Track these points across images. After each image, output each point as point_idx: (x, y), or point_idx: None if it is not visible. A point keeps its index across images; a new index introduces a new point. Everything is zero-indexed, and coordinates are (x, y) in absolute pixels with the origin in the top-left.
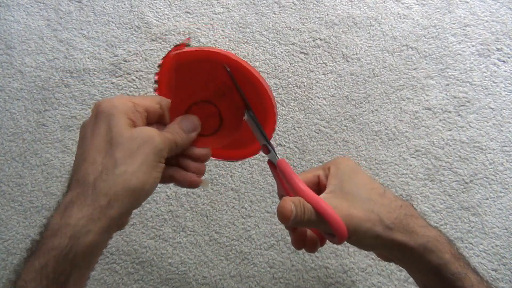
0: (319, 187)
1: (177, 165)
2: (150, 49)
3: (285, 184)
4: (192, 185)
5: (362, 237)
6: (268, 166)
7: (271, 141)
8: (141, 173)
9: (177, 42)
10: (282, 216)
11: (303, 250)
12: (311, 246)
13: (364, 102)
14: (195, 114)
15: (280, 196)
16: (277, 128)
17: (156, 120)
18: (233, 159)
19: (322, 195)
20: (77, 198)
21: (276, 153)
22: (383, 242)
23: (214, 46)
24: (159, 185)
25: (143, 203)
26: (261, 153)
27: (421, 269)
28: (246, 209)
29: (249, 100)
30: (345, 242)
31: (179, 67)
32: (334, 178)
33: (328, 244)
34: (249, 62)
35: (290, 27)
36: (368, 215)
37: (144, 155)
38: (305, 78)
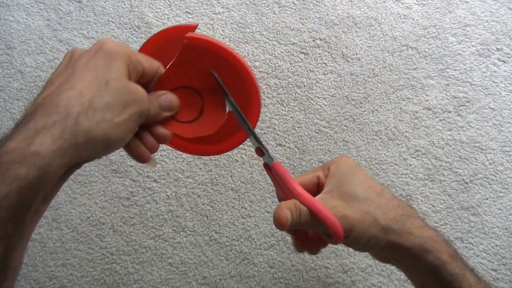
0: (319, 187)
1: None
2: None
3: (282, 186)
4: (141, 159)
5: (358, 238)
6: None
7: (266, 146)
8: (122, 128)
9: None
10: (278, 224)
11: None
12: (313, 248)
13: (364, 102)
14: (178, 96)
15: (280, 199)
16: (277, 128)
17: (143, 83)
18: (202, 154)
19: (319, 196)
20: (52, 126)
21: (270, 156)
22: (379, 243)
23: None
24: (159, 185)
25: (142, 201)
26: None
27: (418, 269)
28: (246, 209)
29: (230, 83)
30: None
31: (184, 48)
32: (332, 177)
33: (328, 244)
34: (249, 62)
35: (290, 27)
36: (363, 216)
37: (132, 112)
38: (305, 78)
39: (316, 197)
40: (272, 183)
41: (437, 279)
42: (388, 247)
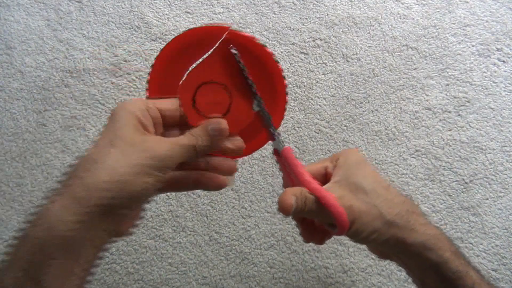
0: (326, 178)
1: (205, 168)
2: (150, 49)
3: (290, 174)
4: (218, 184)
5: (361, 230)
6: (270, 162)
7: (279, 130)
8: (130, 172)
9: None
10: (282, 208)
11: (303, 250)
12: (319, 238)
13: (364, 102)
14: (207, 91)
15: (286, 187)
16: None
17: (178, 122)
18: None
19: (327, 185)
20: (60, 189)
21: (281, 141)
22: (381, 237)
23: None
24: None
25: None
26: (260, 152)
27: (420, 266)
28: (246, 209)
29: (259, 81)
30: (344, 237)
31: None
32: (340, 168)
33: (328, 244)
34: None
35: (290, 27)
36: (369, 208)
37: (140, 160)
38: (305, 78)
39: (324, 186)
40: (279, 170)
41: (439, 277)
42: (391, 242)
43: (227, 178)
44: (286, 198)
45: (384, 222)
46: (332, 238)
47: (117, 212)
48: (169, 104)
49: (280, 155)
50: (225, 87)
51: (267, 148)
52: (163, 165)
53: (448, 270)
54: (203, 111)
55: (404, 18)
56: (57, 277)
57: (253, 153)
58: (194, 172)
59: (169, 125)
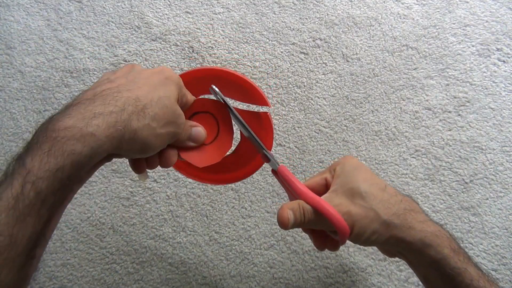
0: (327, 188)
1: None
2: (150, 49)
3: (289, 189)
4: (136, 170)
5: (361, 233)
6: (271, 172)
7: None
8: (159, 139)
9: (177, 43)
10: (281, 223)
11: (303, 250)
12: (333, 245)
13: (364, 102)
14: (199, 119)
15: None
16: (277, 128)
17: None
18: (223, 182)
19: (324, 195)
20: (109, 115)
21: (276, 161)
22: (381, 237)
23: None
24: (159, 185)
25: (142, 201)
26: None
27: (421, 263)
28: (246, 209)
29: (246, 112)
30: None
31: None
32: (338, 177)
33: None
34: (249, 62)
35: (290, 27)
36: (366, 211)
37: (170, 130)
38: (305, 78)
39: (322, 196)
40: (282, 188)
41: (439, 273)
42: (391, 242)
43: (145, 168)
44: (283, 213)
45: (382, 222)
46: None
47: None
48: (191, 98)
49: (277, 173)
50: (215, 118)
51: None
52: (173, 140)
53: (447, 266)
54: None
55: (404, 18)
56: (70, 196)
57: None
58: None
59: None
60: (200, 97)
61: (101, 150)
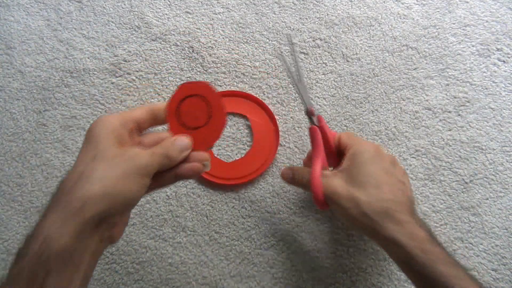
0: (339, 145)
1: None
2: (150, 49)
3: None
4: (197, 172)
5: (339, 213)
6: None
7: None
8: (121, 180)
9: (177, 43)
10: (282, 177)
11: (303, 250)
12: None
13: (364, 102)
14: (186, 106)
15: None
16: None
17: (151, 125)
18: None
19: (331, 171)
20: (52, 204)
21: (313, 121)
22: (358, 223)
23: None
24: None
25: (142, 201)
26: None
27: (392, 257)
28: (246, 209)
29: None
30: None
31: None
32: (348, 160)
33: (328, 244)
34: (249, 62)
35: (290, 27)
36: (350, 198)
37: (126, 168)
38: (305, 78)
39: (326, 172)
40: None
41: (407, 270)
42: (368, 230)
43: (203, 163)
44: (285, 171)
45: (360, 213)
46: (333, 238)
47: (111, 219)
48: (142, 113)
49: (310, 130)
50: (207, 102)
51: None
52: (146, 172)
53: (415, 265)
54: (184, 120)
55: (404, 18)
56: (57, 286)
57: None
58: (171, 170)
59: (145, 128)
60: (183, 83)
61: (58, 239)
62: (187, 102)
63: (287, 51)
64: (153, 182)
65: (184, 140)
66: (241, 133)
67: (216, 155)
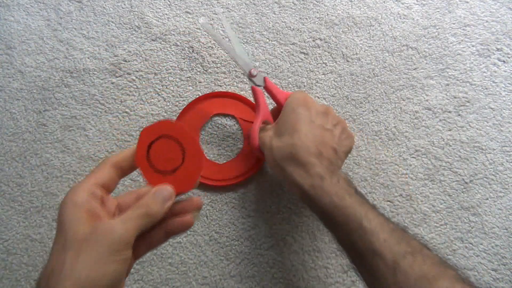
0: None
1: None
2: (150, 49)
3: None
4: (188, 226)
5: (266, 159)
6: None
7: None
8: (94, 267)
9: (177, 43)
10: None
11: (303, 250)
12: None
13: (364, 102)
14: (155, 151)
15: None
16: None
17: (122, 178)
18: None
19: (268, 126)
20: None
21: (253, 81)
22: (274, 171)
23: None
24: None
25: None
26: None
27: (300, 197)
28: (246, 209)
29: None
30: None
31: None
32: (282, 112)
33: (328, 244)
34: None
35: (290, 27)
36: (273, 149)
37: (98, 250)
38: (305, 78)
39: (268, 126)
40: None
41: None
42: (288, 180)
43: (193, 214)
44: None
45: (272, 159)
46: (333, 238)
47: None
48: (107, 173)
49: (252, 90)
50: (179, 143)
51: None
52: (122, 246)
53: (307, 199)
54: (158, 166)
55: (404, 18)
56: None
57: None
58: (159, 228)
59: (116, 184)
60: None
61: None
62: (155, 147)
63: (287, 51)
64: (141, 245)
65: (164, 190)
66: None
67: (208, 158)
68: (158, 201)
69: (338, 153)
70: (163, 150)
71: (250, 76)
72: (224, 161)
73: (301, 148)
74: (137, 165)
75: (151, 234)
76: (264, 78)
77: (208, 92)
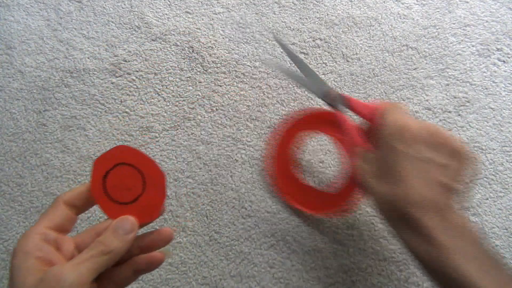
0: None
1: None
2: (150, 49)
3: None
4: (157, 264)
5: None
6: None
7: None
8: None
9: (177, 43)
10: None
11: (303, 250)
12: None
13: None
14: (112, 181)
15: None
16: (277, 128)
17: (79, 214)
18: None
19: (365, 152)
20: None
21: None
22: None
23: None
24: None
25: None
26: (261, 152)
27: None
28: (246, 209)
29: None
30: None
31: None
32: (375, 140)
33: (328, 244)
34: (249, 62)
35: (290, 27)
36: (374, 190)
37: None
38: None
39: (365, 153)
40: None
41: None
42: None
43: (164, 251)
44: None
45: (383, 211)
46: (333, 238)
47: None
48: (60, 213)
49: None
50: (138, 170)
51: (268, 148)
52: None
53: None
54: (117, 197)
55: (404, 18)
56: None
57: (252, 154)
58: (126, 265)
59: (74, 223)
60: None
61: None
62: (111, 177)
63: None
64: (109, 285)
65: (125, 222)
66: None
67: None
68: (119, 235)
69: (461, 191)
70: (121, 179)
71: (329, 101)
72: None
73: (408, 204)
74: (93, 199)
75: (117, 273)
76: (345, 97)
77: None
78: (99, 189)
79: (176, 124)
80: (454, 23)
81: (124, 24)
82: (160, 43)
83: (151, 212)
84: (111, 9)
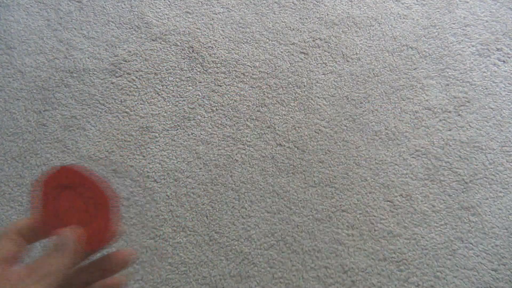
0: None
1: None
2: (150, 49)
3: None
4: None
5: None
6: (270, 162)
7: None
8: None
9: (177, 43)
10: None
11: (303, 250)
12: None
13: (364, 102)
14: (63, 206)
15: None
16: (277, 128)
17: (32, 242)
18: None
19: None
20: None
21: None
22: None
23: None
24: (159, 185)
25: (142, 201)
26: (261, 152)
27: None
28: (246, 209)
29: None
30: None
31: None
32: None
33: (328, 244)
34: (249, 62)
35: (290, 27)
36: None
37: None
38: (305, 78)
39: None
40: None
41: None
42: None
43: (125, 273)
44: None
45: None
46: (333, 238)
47: None
48: (10, 249)
49: None
50: (79, 188)
51: (267, 148)
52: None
53: None
54: (62, 217)
55: (404, 18)
56: None
57: (252, 154)
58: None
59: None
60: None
61: None
62: (61, 202)
63: (287, 51)
64: None
65: (66, 235)
66: None
67: None
68: (58, 254)
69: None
70: (70, 202)
71: None
72: None
73: None
74: (47, 227)
75: None
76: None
77: None
78: (52, 216)
79: (176, 124)
80: (454, 23)
81: (124, 24)
82: (160, 43)
83: (100, 238)
84: (111, 9)
